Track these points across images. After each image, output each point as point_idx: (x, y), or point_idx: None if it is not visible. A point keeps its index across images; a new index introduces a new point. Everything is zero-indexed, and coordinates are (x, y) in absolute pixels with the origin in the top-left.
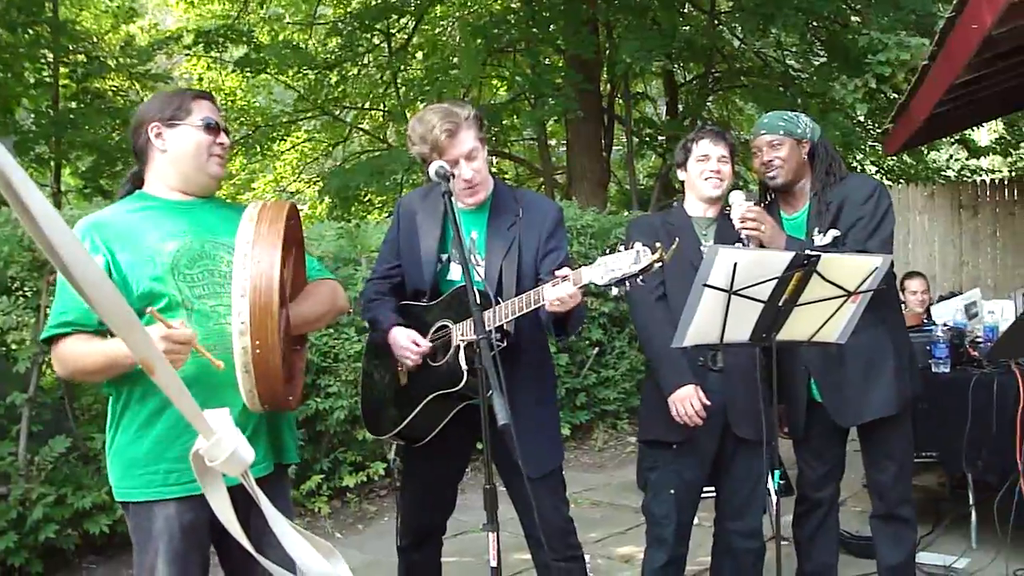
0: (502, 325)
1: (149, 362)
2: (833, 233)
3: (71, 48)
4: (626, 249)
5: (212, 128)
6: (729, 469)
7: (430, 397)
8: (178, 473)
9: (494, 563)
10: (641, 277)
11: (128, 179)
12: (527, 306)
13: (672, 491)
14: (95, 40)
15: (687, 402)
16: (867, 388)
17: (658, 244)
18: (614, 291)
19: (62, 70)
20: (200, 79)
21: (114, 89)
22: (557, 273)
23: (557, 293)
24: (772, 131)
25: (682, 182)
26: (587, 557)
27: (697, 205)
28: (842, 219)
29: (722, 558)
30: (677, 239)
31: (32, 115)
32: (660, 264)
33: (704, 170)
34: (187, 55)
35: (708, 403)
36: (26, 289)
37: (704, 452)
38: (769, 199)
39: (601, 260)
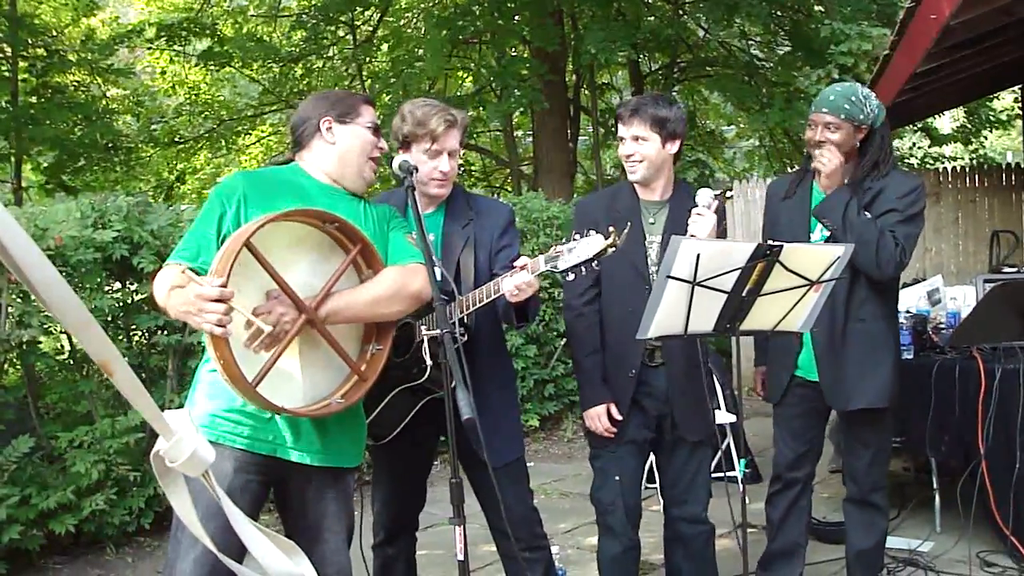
0: (463, 318)
1: (106, 363)
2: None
3: (30, 42)
4: (582, 237)
5: (376, 131)
6: (670, 458)
7: (395, 392)
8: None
9: (461, 557)
10: (596, 262)
11: (281, 161)
12: (487, 297)
13: (617, 477)
14: (55, 34)
15: (596, 420)
16: (864, 376)
17: (611, 228)
18: (570, 276)
19: (21, 64)
20: (163, 73)
21: (75, 84)
22: (516, 264)
23: (515, 281)
24: (835, 112)
25: None
26: (556, 547)
27: (640, 187)
28: (875, 207)
29: (673, 544)
30: (630, 223)
31: None
32: (614, 248)
33: (622, 154)
34: (149, 49)
35: (619, 417)
36: None
37: (643, 440)
38: (805, 172)
39: (557, 248)
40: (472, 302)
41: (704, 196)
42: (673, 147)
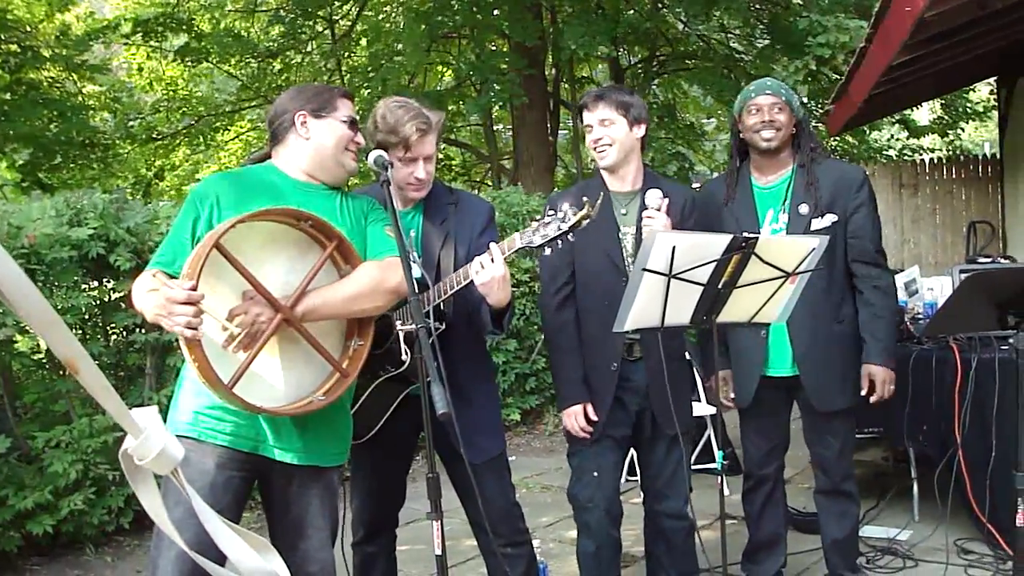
0: (439, 305)
1: (72, 361)
2: (831, 218)
3: (3, 37)
4: (556, 213)
5: (353, 125)
6: (650, 453)
7: (374, 383)
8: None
9: (439, 551)
10: (572, 234)
11: (258, 157)
12: (460, 282)
13: (595, 473)
14: (28, 29)
15: (572, 419)
16: (845, 376)
17: (585, 199)
18: (547, 251)
19: None
20: (140, 69)
21: (50, 80)
22: (491, 247)
23: (481, 259)
24: (776, 94)
25: None
26: (538, 541)
27: (610, 174)
28: (838, 203)
29: (654, 538)
30: (602, 194)
31: None
32: (589, 219)
33: (590, 141)
34: (125, 44)
35: (595, 419)
36: None
37: (621, 436)
38: (739, 164)
39: (532, 225)
40: (445, 289)
41: (653, 198)
42: (639, 131)
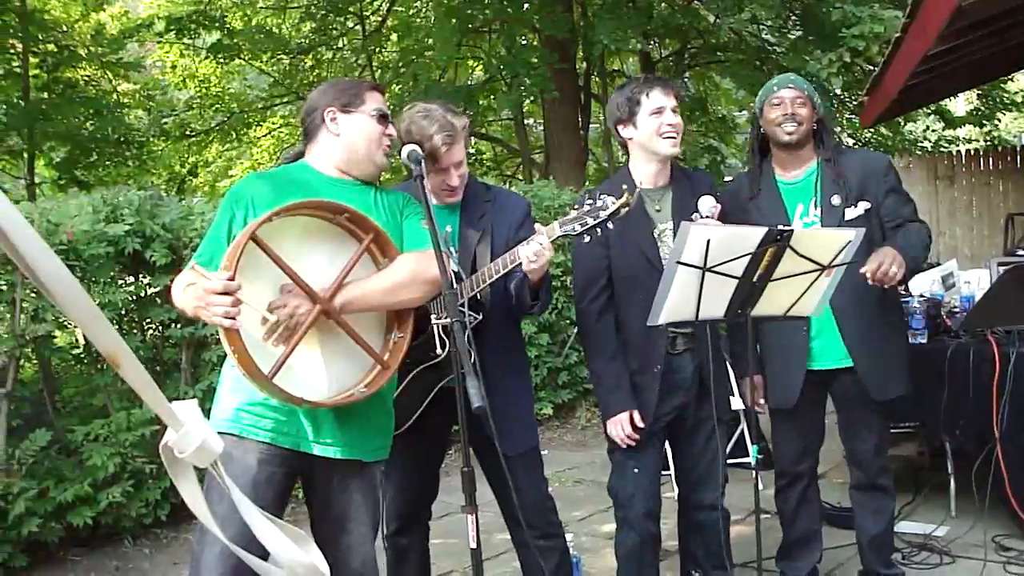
0: (476, 296)
1: (113, 355)
2: (864, 205)
3: (40, 37)
4: (595, 202)
5: (383, 119)
6: (687, 444)
7: (412, 373)
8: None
9: (473, 545)
10: (611, 222)
11: (292, 155)
12: (503, 268)
13: (636, 469)
14: (65, 29)
15: (618, 426)
16: (898, 365)
17: (624, 187)
18: (586, 239)
19: (32, 60)
20: (173, 66)
21: (86, 78)
22: (536, 228)
23: (532, 248)
24: (798, 88)
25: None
26: (571, 535)
27: (646, 169)
28: (869, 190)
29: (688, 531)
30: (638, 186)
31: (3, 106)
32: (627, 208)
33: (661, 124)
34: (159, 42)
35: (642, 425)
36: (1, 283)
37: (660, 429)
38: (760, 160)
39: (572, 213)
40: (485, 277)
41: (706, 205)
42: None
